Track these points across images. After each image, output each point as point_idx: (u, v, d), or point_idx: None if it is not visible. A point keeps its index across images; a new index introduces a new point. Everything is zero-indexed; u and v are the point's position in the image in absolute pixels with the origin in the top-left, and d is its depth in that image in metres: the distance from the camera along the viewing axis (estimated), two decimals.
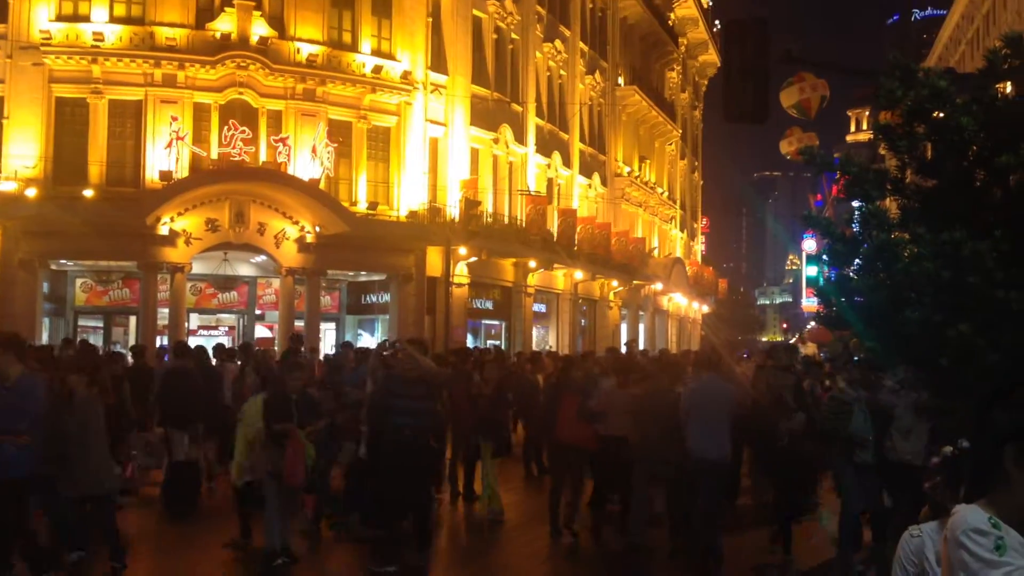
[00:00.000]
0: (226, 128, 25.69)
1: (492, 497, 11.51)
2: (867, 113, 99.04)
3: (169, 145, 25.13)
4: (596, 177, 40.40)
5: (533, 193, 33.03)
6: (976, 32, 55.49)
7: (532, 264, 32.10)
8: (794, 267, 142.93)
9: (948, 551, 2.56)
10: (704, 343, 52.33)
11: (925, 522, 4.20)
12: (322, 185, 26.27)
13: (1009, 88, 5.27)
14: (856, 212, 5.95)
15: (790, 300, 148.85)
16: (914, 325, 4.92)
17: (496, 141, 32.15)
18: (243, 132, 25.66)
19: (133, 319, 25.87)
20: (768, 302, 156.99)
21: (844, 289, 5.80)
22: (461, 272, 29.26)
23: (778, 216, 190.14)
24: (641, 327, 45.98)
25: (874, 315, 5.41)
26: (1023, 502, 2.44)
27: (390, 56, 28.33)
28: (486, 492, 11.58)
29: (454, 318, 28.57)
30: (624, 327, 43.15)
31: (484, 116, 31.38)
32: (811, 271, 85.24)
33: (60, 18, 25.47)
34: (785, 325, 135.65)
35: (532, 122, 34.42)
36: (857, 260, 5.73)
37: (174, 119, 25.31)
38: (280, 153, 26.03)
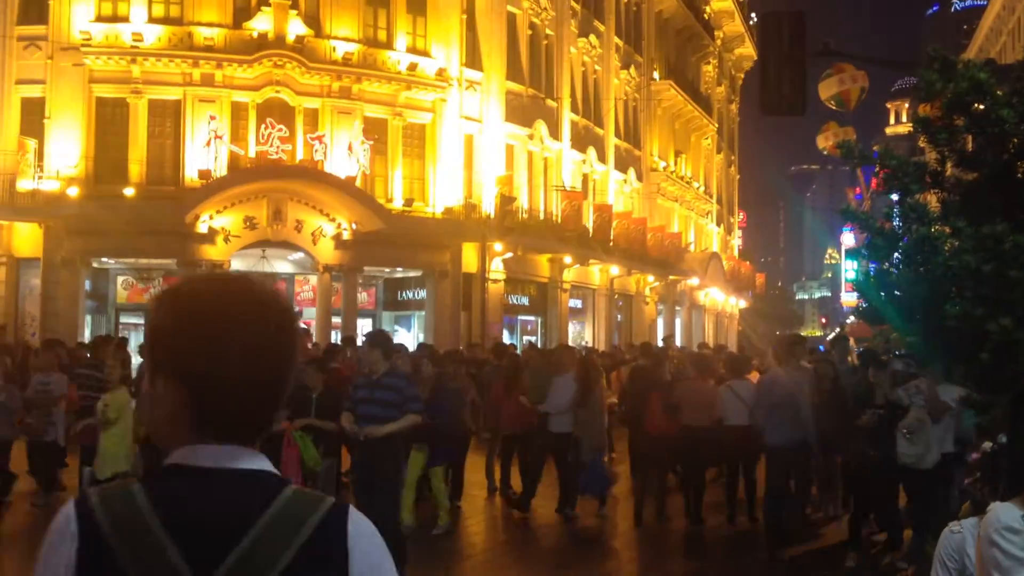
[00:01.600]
0: (263, 126, 25.90)
1: (440, 508, 10.48)
2: (906, 105, 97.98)
3: (208, 144, 25.36)
4: (631, 172, 40.28)
5: (568, 189, 32.99)
6: (1017, 22, 54.66)
7: (568, 260, 32.07)
8: (833, 261, 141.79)
9: (981, 548, 2.56)
10: (741, 338, 52.06)
11: (965, 518, 4.18)
12: (358, 182, 26.39)
13: None
14: (895, 206, 5.91)
15: (828, 295, 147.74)
16: (954, 319, 4.88)
17: (531, 137, 32.14)
18: (280, 130, 25.86)
19: None
20: (807, 296, 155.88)
21: (883, 283, 5.76)
22: (497, 268, 29.29)
23: (816, 210, 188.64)
24: (678, 322, 45.78)
25: (914, 309, 5.37)
26: None
27: (425, 53, 28.41)
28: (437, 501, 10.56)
29: (490, 314, 28.61)
30: (660, 322, 42.99)
31: (519, 112, 31.39)
32: (850, 265, 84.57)
33: (100, 19, 25.79)
34: (824, 320, 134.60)
35: (567, 117, 34.37)
36: (896, 254, 5.68)
37: (212, 118, 25.54)
38: (317, 151, 26.20)
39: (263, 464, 1.61)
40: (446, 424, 10.34)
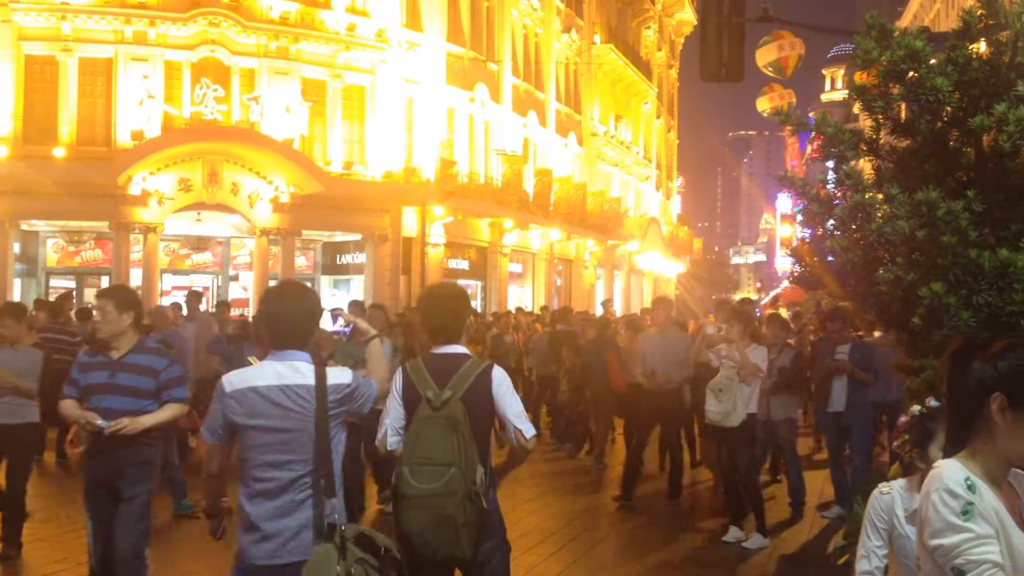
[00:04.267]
0: (198, 87, 25.41)
1: None
2: (842, 72, 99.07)
3: (140, 104, 24.82)
4: (572, 136, 40.29)
5: (509, 153, 32.92)
6: None
7: (508, 224, 32.07)
8: (768, 226, 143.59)
9: (920, 503, 2.63)
10: (679, 302, 52.58)
11: (894, 479, 4.28)
12: (296, 145, 26.06)
13: (983, 48, 5.28)
14: (831, 172, 5.98)
15: (764, 259, 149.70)
16: (887, 284, 4.96)
17: (472, 100, 31.96)
18: (215, 91, 25.41)
19: (105, 280, 25.69)
20: (743, 261, 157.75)
21: (818, 249, 5.83)
22: (437, 232, 29.19)
23: (753, 175, 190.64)
24: (617, 287, 46.11)
25: (847, 275, 5.45)
26: (1005, 450, 2.54)
27: (364, 14, 28.02)
28: None
29: (429, 278, 28.54)
30: (600, 286, 43.26)
31: (459, 75, 31.17)
32: (785, 230, 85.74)
33: None
34: (759, 284, 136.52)
35: (508, 81, 34.23)
36: (831, 220, 5.75)
37: (145, 77, 24.99)
38: (253, 112, 25.79)
39: (460, 349, 4.72)
40: None
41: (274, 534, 3.90)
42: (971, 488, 2.49)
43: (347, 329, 5.03)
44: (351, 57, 27.76)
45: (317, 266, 29.64)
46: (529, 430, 4.59)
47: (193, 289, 19.55)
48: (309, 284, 28.34)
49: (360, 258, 28.66)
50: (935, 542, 2.49)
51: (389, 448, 4.63)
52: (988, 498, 2.50)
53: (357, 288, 28.75)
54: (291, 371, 3.95)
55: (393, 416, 4.62)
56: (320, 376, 3.99)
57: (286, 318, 4.10)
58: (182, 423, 7.89)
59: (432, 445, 4.37)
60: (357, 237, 28.38)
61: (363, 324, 4.79)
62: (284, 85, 26.52)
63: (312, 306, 4.21)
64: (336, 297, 27.90)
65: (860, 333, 14.31)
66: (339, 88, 27.81)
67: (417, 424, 4.46)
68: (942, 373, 2.77)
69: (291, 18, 26.69)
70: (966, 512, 2.46)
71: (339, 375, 4.08)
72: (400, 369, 4.73)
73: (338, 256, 29.61)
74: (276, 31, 26.42)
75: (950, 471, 2.53)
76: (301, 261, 28.45)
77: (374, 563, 3.82)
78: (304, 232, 27.31)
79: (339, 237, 29.00)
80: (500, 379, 4.59)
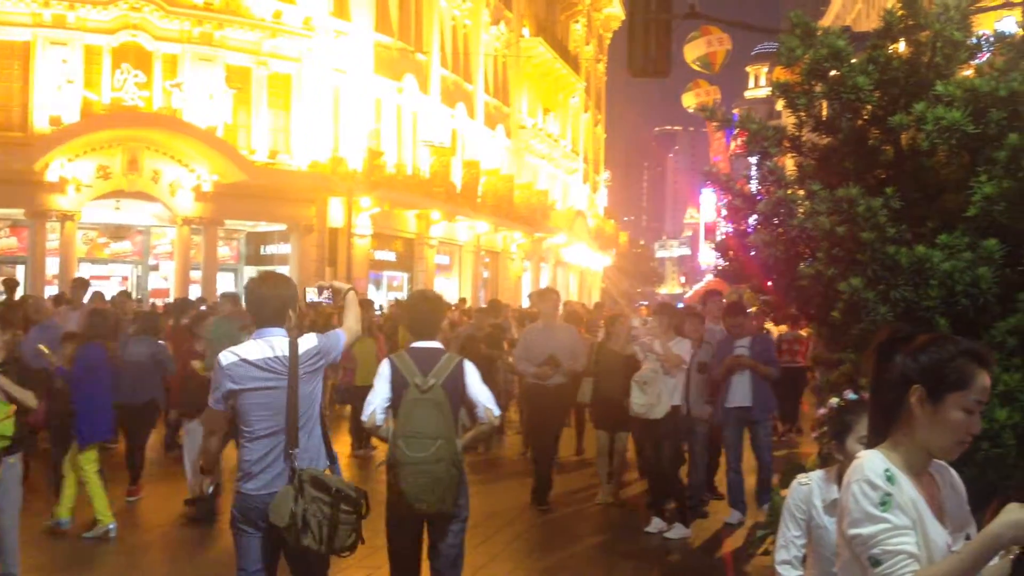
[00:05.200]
0: (119, 72, 24.84)
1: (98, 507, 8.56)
2: (765, 69, 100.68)
3: (59, 89, 24.18)
4: (500, 129, 40.29)
5: (437, 144, 32.79)
6: None
7: (435, 216, 31.95)
8: (693, 220, 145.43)
9: (841, 493, 2.67)
10: (604, 295, 53.02)
11: (813, 470, 4.36)
12: (220, 133, 25.63)
13: (904, 48, 5.40)
14: (753, 168, 6.07)
15: (688, 253, 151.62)
16: (808, 279, 5.04)
17: (400, 91, 31.76)
18: (136, 76, 24.87)
19: (21, 269, 24.99)
20: (668, 255, 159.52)
21: (742, 243, 5.91)
22: (363, 223, 28.97)
23: (678, 170, 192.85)
24: (543, 279, 46.29)
25: (770, 269, 5.53)
26: (925, 441, 2.60)
27: (290, 1, 27.63)
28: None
29: (356, 269, 28.31)
30: (527, 279, 43.39)
31: (388, 65, 30.94)
32: (709, 225, 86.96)
33: None
34: (683, 277, 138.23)
35: (436, 72, 34.08)
36: (754, 215, 5.84)
37: (64, 62, 24.34)
38: (175, 99, 25.28)
39: (436, 344, 5.74)
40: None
41: (261, 472, 4.85)
42: (890, 479, 2.54)
43: (330, 299, 5.34)
44: (277, 44, 27.36)
45: (241, 256, 29.21)
46: (496, 410, 5.74)
47: (79, 277, 18.63)
48: (232, 274, 28.31)
49: (285, 248, 28.31)
50: (853, 531, 2.54)
51: (377, 424, 5.59)
52: (907, 489, 2.56)
53: None
54: (270, 345, 4.89)
55: (380, 397, 5.61)
56: (293, 347, 4.95)
57: (266, 303, 5.02)
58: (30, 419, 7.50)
59: (422, 422, 5.40)
60: (282, 227, 28.03)
61: (338, 283, 5.56)
62: (208, 72, 26.04)
63: (287, 292, 5.11)
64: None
65: (782, 327, 14.51)
66: (264, 76, 27.39)
67: (408, 404, 5.47)
68: (866, 365, 2.82)
69: (215, 4, 26.21)
70: (884, 503, 2.51)
71: (307, 342, 5.04)
72: (387, 360, 5.75)
73: (262, 246, 29.21)
74: (200, 17, 25.92)
75: (871, 462, 2.58)
76: (224, 251, 28.01)
77: (327, 500, 4.72)
78: (227, 222, 26.88)
79: (263, 227, 28.60)
80: (471, 370, 5.73)
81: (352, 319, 5.38)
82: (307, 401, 4.95)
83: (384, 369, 5.68)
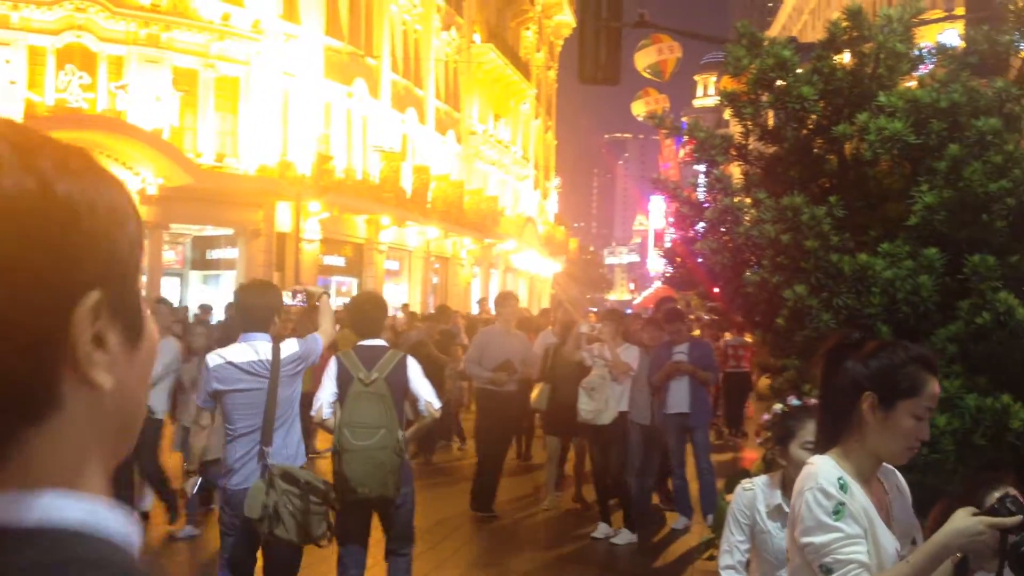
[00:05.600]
0: (63, 73, 24.43)
1: None
2: (713, 79, 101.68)
3: (1, 90, 23.73)
4: (451, 134, 40.24)
5: (387, 149, 32.65)
6: (818, 2, 57.59)
7: (385, 221, 31.81)
8: (642, 227, 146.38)
9: (793, 500, 2.69)
10: (554, 302, 53.13)
11: (757, 475, 4.40)
12: (166, 135, 25.30)
13: (848, 59, 5.48)
14: (701, 176, 6.13)
15: (637, 260, 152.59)
16: (753, 286, 5.10)
17: (350, 95, 31.60)
18: (81, 78, 24.48)
19: None
20: (617, 261, 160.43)
21: (689, 251, 5.96)
22: (312, 228, 28.76)
23: (628, 176, 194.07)
24: (493, 285, 46.28)
25: (716, 276, 5.59)
26: (875, 447, 2.64)
27: (238, 3, 27.37)
28: None
29: (304, 275, 28.07)
30: (476, 285, 43.36)
31: (338, 69, 30.77)
32: (659, 232, 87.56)
33: None
34: (633, 284, 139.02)
35: (387, 77, 33.96)
36: (701, 223, 5.89)
37: (7, 62, 23.89)
38: (121, 101, 24.92)
39: (380, 342, 6.11)
40: None
41: (241, 468, 5.23)
42: (843, 488, 2.56)
43: (304, 302, 5.65)
44: (225, 47, 27.08)
45: (186, 261, 28.82)
46: (437, 403, 6.12)
47: None
48: (177, 279, 27.91)
49: (232, 253, 27.99)
50: (806, 540, 2.56)
51: (324, 417, 5.91)
52: (859, 497, 2.58)
53: (228, 283, 28.08)
54: (255, 349, 5.24)
55: (327, 392, 5.93)
56: (276, 351, 5.33)
57: (253, 310, 5.41)
58: None
59: (365, 412, 5.73)
60: (229, 232, 27.71)
61: (312, 287, 6.18)
62: (154, 74, 25.70)
63: (271, 300, 5.50)
64: (206, 293, 27.22)
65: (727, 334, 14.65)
66: (212, 79, 27.10)
67: (352, 397, 5.80)
68: (815, 371, 2.84)
69: (162, 5, 25.88)
70: (837, 512, 2.53)
71: (288, 347, 5.42)
72: (334, 358, 6.07)
73: (208, 251, 28.85)
74: (146, 18, 25.58)
75: (824, 470, 2.60)
76: (169, 255, 27.63)
77: (296, 492, 5.07)
78: (173, 226, 26.52)
79: (210, 231, 28.26)
80: (414, 365, 6.09)
81: (327, 323, 5.81)
82: (286, 403, 5.35)
83: (331, 367, 6.02)
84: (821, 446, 2.74)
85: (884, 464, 2.73)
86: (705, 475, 9.67)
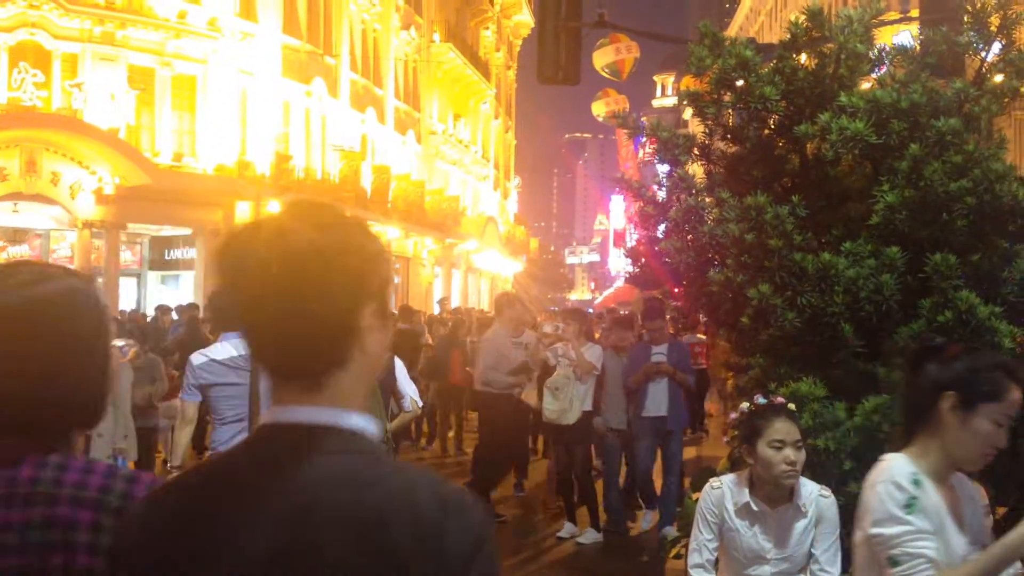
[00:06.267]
0: (16, 71, 24.03)
1: None
2: (672, 79, 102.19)
3: None
4: (411, 134, 40.12)
5: (347, 149, 32.49)
6: (775, 3, 58.09)
7: None
8: (602, 227, 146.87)
9: (865, 494, 2.70)
10: (504, 297, 53.12)
11: (724, 474, 4.42)
12: (122, 134, 24.98)
13: (805, 59, 5.53)
14: (663, 176, 6.14)
15: (598, 259, 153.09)
16: (717, 285, 5.12)
17: (309, 94, 31.39)
18: (35, 76, 24.11)
19: None
20: (577, 261, 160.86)
21: (652, 250, 5.98)
22: None
23: (588, 176, 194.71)
24: (455, 285, 46.21)
25: (680, 275, 5.61)
26: (951, 448, 2.67)
27: (195, 1, 27.09)
28: None
29: None
30: (438, 285, 43.26)
31: (296, 67, 30.56)
32: (619, 231, 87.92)
33: None
34: (593, 283, 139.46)
35: (346, 76, 33.79)
36: (664, 222, 5.91)
37: None
38: (76, 99, 24.57)
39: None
40: None
41: (227, 446, 5.31)
42: (917, 483, 2.58)
43: None
44: (181, 45, 26.79)
45: (144, 261, 28.48)
46: (419, 400, 6.88)
47: None
48: (135, 280, 27.60)
49: (190, 253, 27.71)
50: (875, 531, 2.57)
51: None
52: (932, 495, 2.60)
53: (187, 284, 27.79)
54: (234, 346, 5.45)
55: None
56: None
57: (226, 311, 5.56)
58: None
59: None
60: (187, 231, 27.43)
61: None
62: (109, 72, 25.37)
63: None
64: (164, 293, 26.93)
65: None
66: (169, 77, 26.80)
67: None
68: (904, 374, 2.88)
69: (118, 3, 25.54)
70: (909, 506, 2.54)
71: None
72: None
73: (167, 251, 28.54)
74: (101, 16, 25.23)
75: (898, 465, 2.63)
76: (127, 256, 27.29)
77: None
78: (130, 225, 26.18)
79: (168, 231, 27.95)
80: (399, 365, 6.67)
81: None
82: (267, 393, 5.53)
83: None
84: (898, 444, 2.77)
85: (959, 472, 2.76)
86: (673, 483, 9.27)
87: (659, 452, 9.51)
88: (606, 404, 9.56)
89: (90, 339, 1.70)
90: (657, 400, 9.20)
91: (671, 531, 8.69)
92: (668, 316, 10.98)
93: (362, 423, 1.43)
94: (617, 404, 9.48)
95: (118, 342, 8.85)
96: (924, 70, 5.14)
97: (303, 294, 1.37)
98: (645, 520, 9.68)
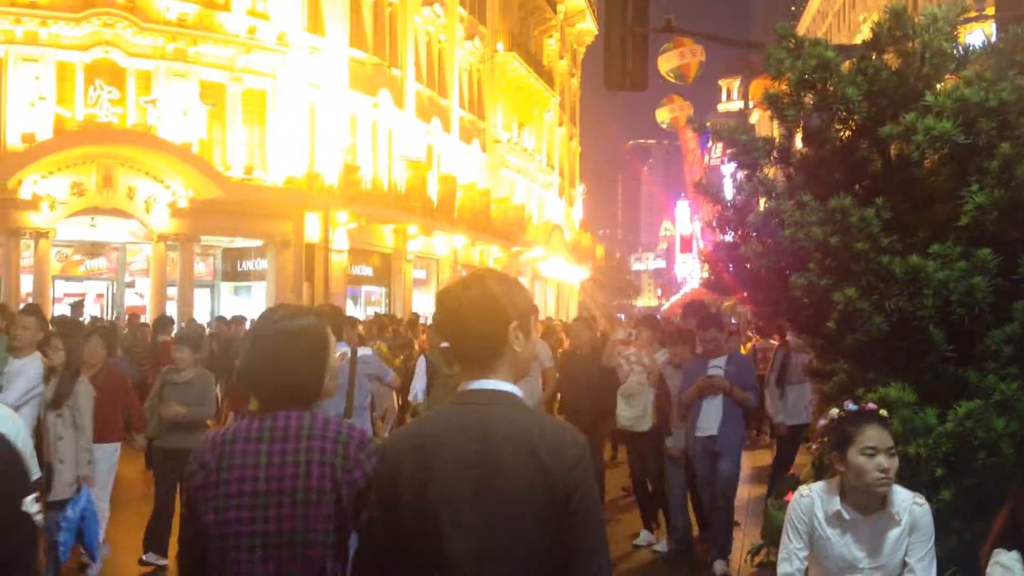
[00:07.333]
0: (92, 88, 24.65)
1: None
2: (737, 83, 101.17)
3: (31, 105, 23.97)
4: (476, 143, 40.30)
5: (413, 159, 32.75)
6: (843, 4, 57.26)
7: (412, 230, 31.88)
8: (668, 233, 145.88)
9: None
10: (581, 308, 53.07)
11: (808, 481, 4.35)
12: (195, 149, 25.48)
13: (888, 58, 5.42)
14: (738, 180, 6.07)
15: (663, 266, 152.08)
16: (800, 290, 5.04)
17: (375, 106, 31.71)
18: (110, 93, 24.70)
19: None
20: (643, 267, 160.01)
21: (729, 255, 5.91)
22: (340, 238, 28.86)
23: (653, 182, 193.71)
24: None
25: (760, 280, 5.53)
26: None
27: (264, 16, 27.55)
28: None
29: (333, 285, 28.20)
30: None
31: (362, 80, 30.90)
32: (685, 237, 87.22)
33: None
34: (660, 290, 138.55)
35: (411, 87, 34.06)
36: (741, 228, 5.83)
37: (37, 79, 24.14)
38: (150, 115, 25.12)
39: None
40: None
41: None
42: None
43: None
44: (251, 60, 27.26)
45: (217, 272, 29.01)
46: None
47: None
48: (208, 291, 28.08)
49: (262, 264, 28.14)
50: None
51: (418, 401, 9.02)
52: None
53: (259, 294, 28.23)
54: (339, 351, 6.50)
55: (420, 383, 9.33)
56: (353, 353, 7.86)
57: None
58: None
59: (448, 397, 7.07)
60: (259, 243, 27.86)
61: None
62: (182, 88, 25.90)
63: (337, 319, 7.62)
64: (237, 304, 27.36)
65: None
66: (239, 91, 27.28)
67: (439, 386, 8.33)
68: None
69: (189, 20, 26.09)
70: None
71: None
72: (423, 357, 9.65)
73: (239, 262, 29.03)
74: (174, 33, 25.77)
75: None
76: (201, 267, 27.81)
77: None
78: (203, 238, 26.69)
79: (240, 243, 28.43)
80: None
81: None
82: (360, 393, 8.02)
83: (421, 363, 9.21)
84: None
85: None
86: (720, 510, 8.38)
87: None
88: (673, 421, 8.87)
89: (318, 351, 2.80)
90: (709, 418, 8.29)
91: (722, 566, 8.18)
92: (734, 321, 10.58)
93: (514, 389, 2.62)
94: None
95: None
96: (1012, 68, 5.01)
97: (476, 319, 2.59)
98: (643, 538, 9.25)
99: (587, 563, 2.48)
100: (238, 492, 2.60)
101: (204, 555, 2.63)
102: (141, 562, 8.20)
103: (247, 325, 17.34)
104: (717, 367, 8.37)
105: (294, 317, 2.82)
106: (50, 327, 7.79)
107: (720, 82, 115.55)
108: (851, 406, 3.87)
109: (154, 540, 8.27)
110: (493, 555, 2.44)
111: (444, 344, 7.15)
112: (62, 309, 22.79)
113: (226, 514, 2.58)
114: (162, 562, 8.20)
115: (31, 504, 1.99)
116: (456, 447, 2.49)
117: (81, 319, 16.57)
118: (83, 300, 24.38)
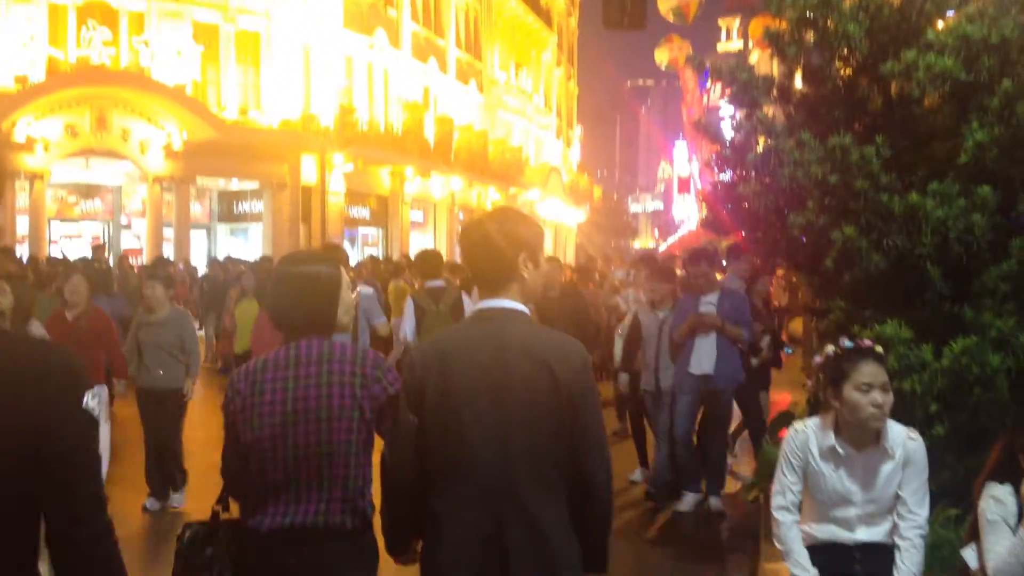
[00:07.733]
0: (84, 29, 24.36)
1: None
2: (737, 22, 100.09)
3: (24, 47, 23.70)
4: (473, 84, 39.95)
5: (409, 100, 32.49)
6: None
7: (409, 172, 31.74)
8: (665, 175, 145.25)
9: None
10: (579, 250, 53.09)
11: (802, 417, 4.39)
12: (189, 90, 25.26)
13: None
14: (736, 119, 6.04)
15: (661, 207, 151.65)
16: (798, 228, 5.05)
17: (371, 46, 31.38)
18: (103, 34, 24.42)
19: None
20: (641, 209, 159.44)
21: (728, 195, 5.91)
22: (337, 180, 28.74)
23: (651, 123, 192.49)
24: None
25: (759, 220, 5.54)
26: None
27: None
28: None
29: (330, 227, 28.16)
30: None
31: (358, 20, 30.52)
32: (683, 178, 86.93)
33: None
34: (657, 232, 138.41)
35: (407, 27, 33.68)
36: (739, 167, 5.82)
37: (28, 20, 23.84)
38: (143, 56, 24.86)
39: (441, 283, 8.95)
40: None
41: None
42: None
43: None
44: (244, 1, 26.91)
45: (213, 214, 28.92)
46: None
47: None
48: (204, 231, 28.04)
49: (258, 206, 28.05)
50: None
51: (409, 340, 8.31)
52: None
53: (256, 236, 28.19)
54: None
55: (409, 324, 8.70)
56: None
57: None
58: None
59: (438, 329, 7.17)
60: (254, 185, 27.75)
61: None
62: (175, 29, 25.59)
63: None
64: (233, 245, 27.34)
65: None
66: (232, 32, 26.96)
67: (427, 324, 8.15)
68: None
69: None
70: None
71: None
72: (410, 299, 8.88)
73: (235, 204, 28.93)
74: None
75: None
76: (196, 209, 27.71)
77: None
78: (199, 179, 26.57)
79: (236, 185, 28.31)
80: (466, 299, 8.36)
81: None
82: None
83: (409, 304, 8.53)
84: None
85: None
86: (717, 450, 8.26)
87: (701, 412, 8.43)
88: (640, 363, 8.56)
89: (333, 288, 3.15)
90: (703, 356, 7.96)
91: (717, 502, 8.04)
92: (737, 259, 9.84)
93: (523, 308, 3.01)
94: (649, 364, 8.46)
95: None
96: (1014, 4, 4.97)
97: (490, 248, 3.00)
98: (686, 502, 8.20)
99: (592, 456, 2.87)
100: (270, 413, 3.01)
101: (245, 465, 3.06)
102: (144, 509, 8.08)
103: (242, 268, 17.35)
104: (709, 303, 8.01)
105: (311, 261, 3.24)
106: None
107: (720, 21, 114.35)
108: (847, 343, 3.90)
109: (152, 485, 8.15)
110: (509, 452, 2.82)
111: (429, 284, 8.23)
112: (56, 252, 22.76)
113: (261, 432, 3.01)
114: (158, 507, 8.11)
115: (91, 398, 2.12)
116: (475, 355, 2.88)
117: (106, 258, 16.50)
118: (103, 243, 24.41)
